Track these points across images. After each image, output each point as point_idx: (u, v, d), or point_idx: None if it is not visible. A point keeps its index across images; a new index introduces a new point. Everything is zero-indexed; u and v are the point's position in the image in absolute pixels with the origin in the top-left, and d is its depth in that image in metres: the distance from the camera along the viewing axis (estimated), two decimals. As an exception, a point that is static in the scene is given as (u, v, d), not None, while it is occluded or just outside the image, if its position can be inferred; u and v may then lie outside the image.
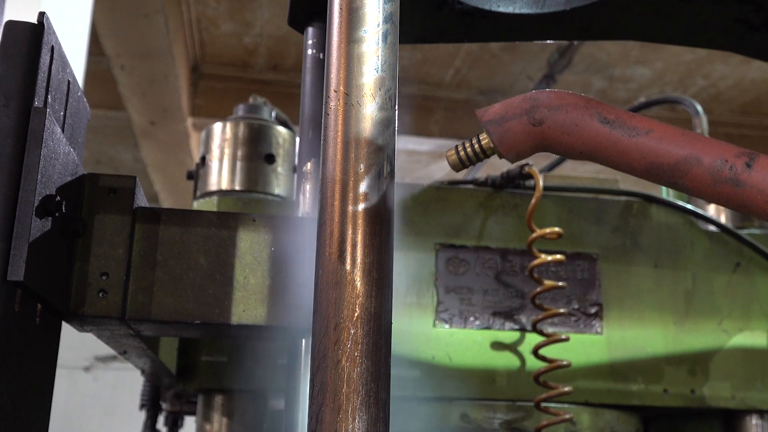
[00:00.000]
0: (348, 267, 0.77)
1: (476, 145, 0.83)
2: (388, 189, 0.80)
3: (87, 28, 3.62)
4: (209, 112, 6.31)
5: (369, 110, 0.80)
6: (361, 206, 0.78)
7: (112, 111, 6.49)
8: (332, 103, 0.81)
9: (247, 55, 6.41)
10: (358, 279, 0.77)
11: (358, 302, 0.76)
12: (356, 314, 0.75)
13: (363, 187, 0.79)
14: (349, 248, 0.78)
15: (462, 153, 0.83)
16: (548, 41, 1.56)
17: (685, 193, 0.76)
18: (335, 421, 0.73)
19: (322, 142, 0.82)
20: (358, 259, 0.77)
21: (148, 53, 5.35)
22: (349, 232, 0.78)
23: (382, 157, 0.80)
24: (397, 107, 0.84)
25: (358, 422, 0.73)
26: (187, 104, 6.28)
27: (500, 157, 0.82)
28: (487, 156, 0.83)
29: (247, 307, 1.11)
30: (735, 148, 0.73)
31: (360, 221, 0.78)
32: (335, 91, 0.81)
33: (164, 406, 2.19)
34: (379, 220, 0.79)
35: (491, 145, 0.81)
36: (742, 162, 0.72)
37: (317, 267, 0.79)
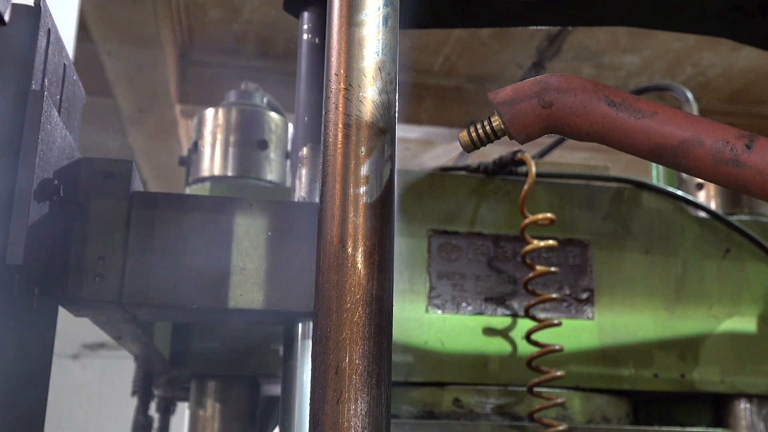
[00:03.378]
0: (350, 250, 0.78)
1: (487, 127, 0.84)
2: (389, 172, 0.81)
3: (75, 14, 3.60)
4: (198, 99, 6.28)
5: (370, 93, 0.81)
6: (362, 189, 0.79)
7: (99, 97, 6.45)
8: (333, 87, 0.81)
9: (236, 42, 6.38)
10: (360, 262, 0.77)
11: (359, 285, 0.77)
12: (358, 297, 0.76)
13: (364, 170, 0.79)
14: (350, 231, 0.78)
15: (474, 134, 0.85)
16: (540, 27, 1.57)
17: (687, 173, 0.78)
18: (338, 402, 0.74)
19: (322, 125, 0.82)
20: (360, 242, 0.78)
21: (136, 39, 5.31)
22: (351, 215, 0.79)
23: (383, 140, 0.81)
24: (397, 91, 0.84)
25: (361, 403, 0.74)
26: (176, 91, 6.24)
27: (510, 138, 0.83)
28: (497, 137, 0.84)
29: (244, 291, 1.11)
30: (735, 131, 0.75)
31: (361, 204, 0.79)
32: (336, 75, 0.81)
33: (156, 392, 2.19)
34: (380, 203, 0.79)
35: (502, 126, 0.82)
36: (743, 143, 0.74)
37: (319, 250, 0.80)
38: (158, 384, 2.12)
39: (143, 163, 6.91)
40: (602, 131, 0.78)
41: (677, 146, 0.76)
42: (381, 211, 0.79)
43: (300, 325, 1.24)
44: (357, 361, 0.74)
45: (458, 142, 0.87)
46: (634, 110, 0.78)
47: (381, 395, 0.75)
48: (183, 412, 2.03)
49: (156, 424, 2.22)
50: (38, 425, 1.03)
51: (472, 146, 0.86)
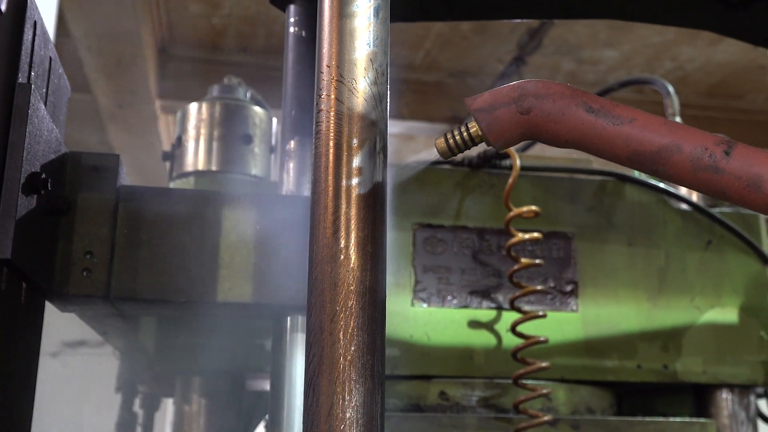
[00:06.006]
0: (343, 241, 0.78)
1: (465, 133, 0.84)
2: (381, 163, 0.81)
3: (54, 9, 3.56)
4: (178, 94, 6.23)
5: (362, 85, 0.81)
6: (354, 180, 0.79)
7: (78, 93, 6.38)
8: (324, 78, 0.81)
9: (216, 37, 6.34)
10: (353, 253, 0.77)
11: (353, 276, 0.77)
12: (351, 288, 0.76)
13: (357, 161, 0.79)
14: (343, 222, 0.78)
15: (451, 141, 0.85)
16: (521, 21, 1.57)
17: (666, 180, 0.79)
18: (332, 393, 0.74)
19: (314, 117, 0.82)
20: (353, 233, 0.78)
21: (116, 34, 5.26)
22: (343, 206, 0.79)
23: (375, 131, 0.81)
24: (389, 83, 0.84)
25: (355, 394, 0.74)
26: (155, 86, 6.19)
27: (488, 144, 0.84)
28: (475, 143, 0.85)
29: (232, 285, 1.11)
30: (714, 137, 0.76)
31: (354, 195, 0.79)
32: (327, 66, 0.81)
33: (140, 388, 2.18)
34: (372, 194, 0.79)
35: (480, 132, 0.83)
36: (721, 150, 0.75)
37: (312, 242, 0.80)
38: (143, 380, 2.11)
39: (122, 158, 6.84)
40: (581, 138, 0.78)
41: (656, 152, 0.76)
42: (373, 202, 0.80)
43: (289, 318, 1.23)
44: (351, 353, 0.75)
45: (440, 139, 0.87)
46: (613, 117, 0.78)
47: (375, 387, 0.75)
48: (167, 409, 2.02)
49: (140, 421, 2.21)
50: (26, 420, 1.02)
51: (449, 153, 0.86)
